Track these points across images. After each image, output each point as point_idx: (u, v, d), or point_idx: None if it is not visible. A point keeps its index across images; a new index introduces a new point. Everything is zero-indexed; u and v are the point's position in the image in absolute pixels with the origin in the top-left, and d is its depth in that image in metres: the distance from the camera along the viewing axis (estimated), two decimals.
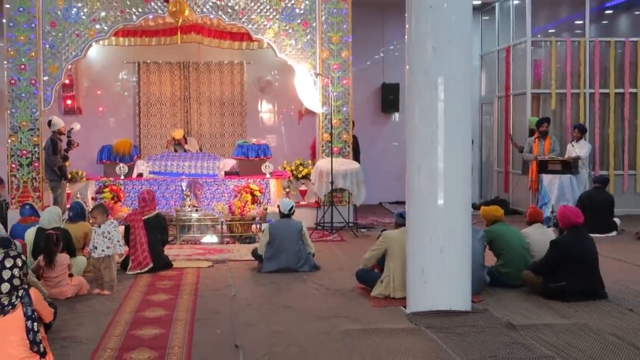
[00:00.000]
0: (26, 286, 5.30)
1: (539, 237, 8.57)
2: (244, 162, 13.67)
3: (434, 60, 7.13)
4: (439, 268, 7.16)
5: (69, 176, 12.91)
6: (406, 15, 7.40)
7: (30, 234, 8.53)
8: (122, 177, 13.00)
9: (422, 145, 7.26)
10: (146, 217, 9.56)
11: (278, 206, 9.94)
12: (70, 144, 12.74)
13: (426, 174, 7.23)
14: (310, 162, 13.80)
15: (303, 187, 13.50)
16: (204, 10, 13.11)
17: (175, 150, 14.44)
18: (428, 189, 7.23)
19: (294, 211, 9.68)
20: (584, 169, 13.54)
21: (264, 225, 10.12)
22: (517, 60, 15.82)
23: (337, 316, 7.25)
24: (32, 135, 13.14)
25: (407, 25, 7.45)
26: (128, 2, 13.17)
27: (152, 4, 13.21)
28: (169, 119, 16.16)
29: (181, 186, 12.72)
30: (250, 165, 13.61)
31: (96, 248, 8.31)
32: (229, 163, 13.77)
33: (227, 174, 13.52)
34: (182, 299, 8.00)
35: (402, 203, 16.75)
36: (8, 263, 5.15)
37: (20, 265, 5.21)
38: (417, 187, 7.33)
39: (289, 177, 13.64)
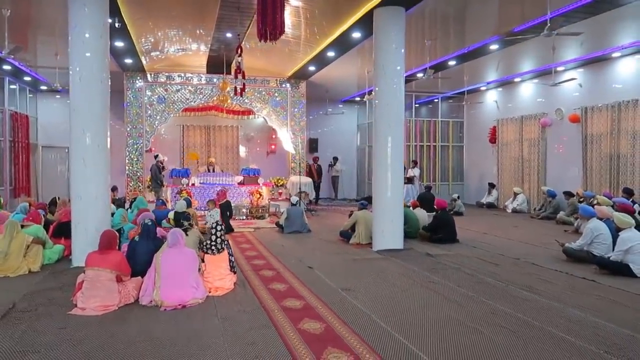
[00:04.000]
0: (227, 239, 5.59)
1: (420, 214, 9.32)
2: (247, 177, 13.77)
3: (387, 129, 7.70)
4: (390, 228, 7.71)
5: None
6: (374, 107, 7.88)
7: (171, 214, 8.52)
8: (186, 185, 12.93)
9: (381, 168, 7.74)
10: (221, 202, 9.74)
11: (290, 200, 10.25)
12: (163, 168, 12.56)
13: (383, 182, 7.72)
14: (285, 178, 14.12)
15: (280, 191, 13.81)
16: (233, 99, 13.22)
17: (208, 170, 14.34)
18: (384, 189, 7.73)
19: (298, 202, 9.97)
20: (417, 182, 14.42)
21: (284, 209, 10.25)
22: None
23: (341, 253, 7.54)
24: (138, 163, 12.91)
25: (375, 110, 7.85)
26: (189, 94, 13.19)
27: (202, 95, 13.30)
28: (199, 155, 16.04)
29: (216, 190, 12.75)
30: (251, 179, 13.70)
31: (207, 222, 8.47)
32: (239, 178, 13.82)
33: (239, 183, 13.62)
34: (258, 246, 8.08)
35: (323, 199, 17.33)
36: (219, 228, 5.44)
37: (222, 229, 5.50)
38: (379, 188, 7.77)
39: (272, 185, 13.89)
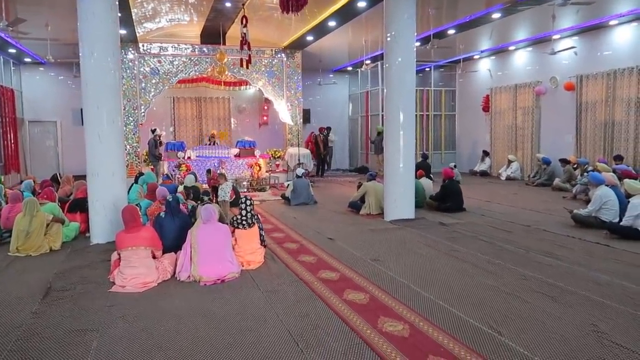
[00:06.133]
0: (256, 213, 5.62)
1: (426, 184, 9.43)
2: (243, 150, 13.63)
3: (399, 100, 7.72)
4: (401, 198, 7.81)
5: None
6: (384, 80, 7.89)
7: (180, 188, 8.43)
8: (182, 159, 12.73)
9: (393, 138, 7.77)
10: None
11: (295, 172, 10.23)
12: (160, 143, 12.34)
13: (395, 152, 7.76)
14: (281, 150, 14.05)
15: (277, 163, 13.78)
16: (229, 70, 13.03)
17: (209, 142, 14.09)
18: (396, 161, 7.79)
19: (303, 175, 9.94)
20: None
21: (289, 182, 10.21)
22: (372, 97, 16.18)
23: (356, 223, 7.62)
24: (134, 136, 12.70)
25: (386, 81, 7.84)
26: (183, 66, 12.91)
27: (198, 67, 13.03)
28: (189, 128, 15.70)
29: (214, 163, 12.64)
30: (247, 151, 13.56)
31: (219, 196, 8.45)
32: (235, 150, 13.68)
33: (235, 156, 13.47)
34: (271, 219, 8.11)
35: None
36: (248, 202, 5.46)
37: (252, 203, 5.53)
38: (391, 160, 7.84)
39: (269, 157, 13.86)
